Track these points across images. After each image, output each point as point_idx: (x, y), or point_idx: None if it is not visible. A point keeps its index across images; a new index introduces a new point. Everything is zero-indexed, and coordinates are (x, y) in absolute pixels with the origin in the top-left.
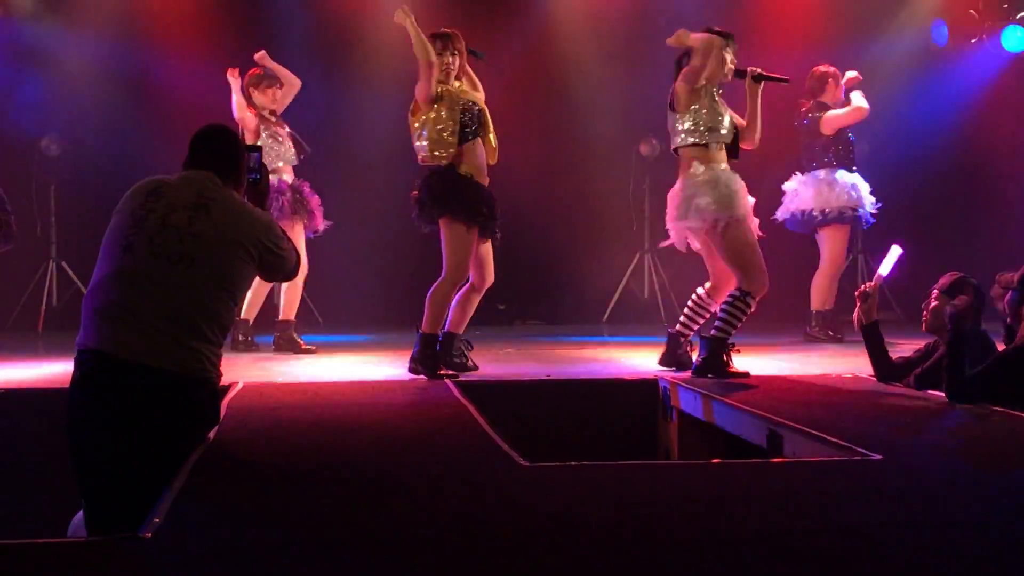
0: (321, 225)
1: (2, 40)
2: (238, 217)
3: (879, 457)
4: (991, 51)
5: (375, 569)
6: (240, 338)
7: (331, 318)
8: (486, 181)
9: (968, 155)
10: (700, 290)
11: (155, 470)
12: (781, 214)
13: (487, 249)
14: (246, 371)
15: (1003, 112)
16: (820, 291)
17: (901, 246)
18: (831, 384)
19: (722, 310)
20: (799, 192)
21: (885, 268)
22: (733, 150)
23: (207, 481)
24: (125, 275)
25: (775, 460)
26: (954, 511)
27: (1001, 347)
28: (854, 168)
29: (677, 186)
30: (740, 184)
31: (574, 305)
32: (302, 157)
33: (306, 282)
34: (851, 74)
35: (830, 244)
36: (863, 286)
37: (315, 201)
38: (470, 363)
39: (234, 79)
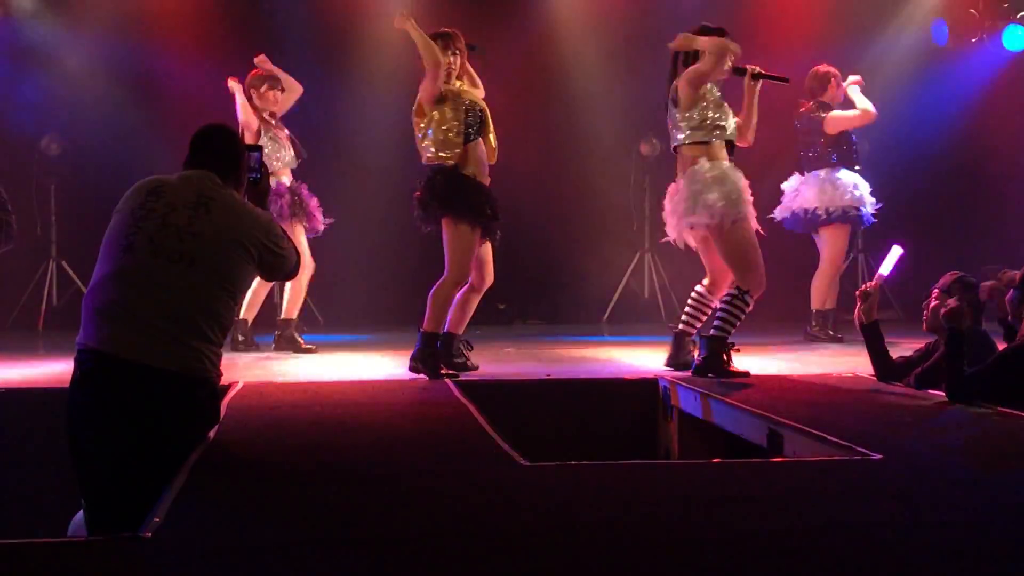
0: (321, 226)
1: (2, 39)
2: (238, 216)
3: (879, 457)
4: (992, 50)
5: (375, 568)
6: (240, 338)
7: (331, 318)
8: (487, 181)
9: (969, 154)
10: (699, 287)
11: (155, 469)
12: (780, 213)
13: (487, 249)
14: (246, 371)
15: (1004, 111)
16: (820, 290)
17: (902, 246)
18: (831, 383)
19: (721, 309)
20: (801, 191)
21: (886, 268)
22: (730, 148)
23: (207, 481)
24: (125, 274)
25: (775, 460)
26: (954, 510)
27: (1001, 346)
28: (857, 167)
29: (681, 182)
30: (745, 182)
31: (574, 304)
32: (300, 161)
33: (309, 281)
34: (854, 78)
35: (831, 243)
36: (864, 285)
37: (313, 203)
38: (470, 363)
39: (236, 85)
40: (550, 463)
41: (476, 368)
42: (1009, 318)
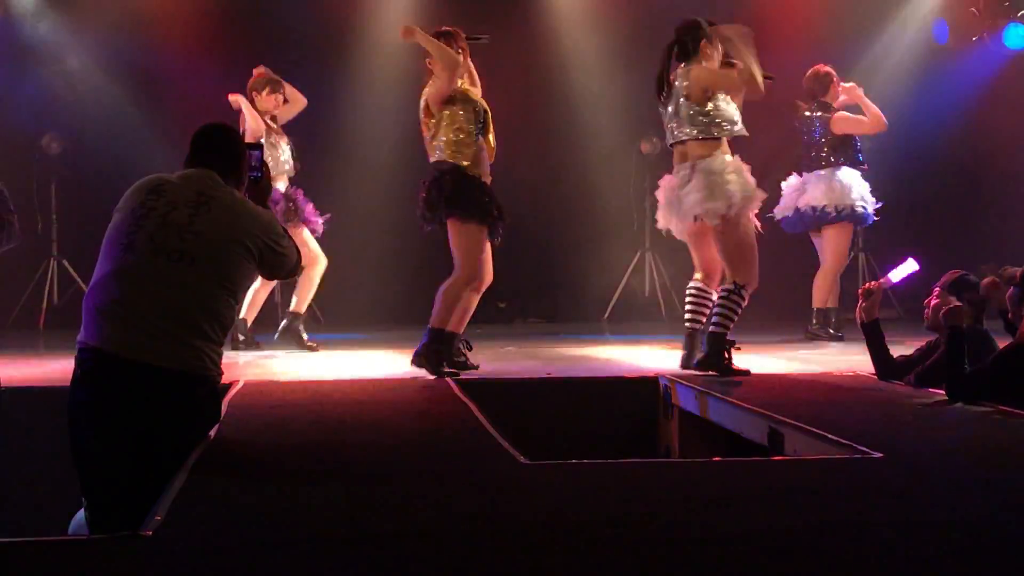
0: (319, 228)
1: (3, 38)
2: (239, 215)
3: (880, 455)
4: (993, 49)
5: (376, 567)
6: (240, 337)
7: (332, 317)
8: (489, 180)
9: (970, 153)
10: (695, 283)
11: (156, 468)
12: (782, 212)
13: (487, 248)
14: (247, 369)
15: (1005, 110)
16: (822, 289)
17: (914, 256)
18: (832, 382)
19: (718, 306)
20: (808, 189)
21: (896, 276)
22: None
23: (208, 479)
24: (126, 273)
25: (776, 458)
26: (955, 509)
27: (1003, 343)
28: (864, 167)
29: (681, 173)
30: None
31: (575, 303)
32: (296, 170)
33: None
34: (847, 86)
35: (835, 242)
36: (868, 284)
37: (309, 208)
38: (470, 362)
39: (238, 98)
40: (550, 462)
41: (476, 368)
42: (1009, 315)
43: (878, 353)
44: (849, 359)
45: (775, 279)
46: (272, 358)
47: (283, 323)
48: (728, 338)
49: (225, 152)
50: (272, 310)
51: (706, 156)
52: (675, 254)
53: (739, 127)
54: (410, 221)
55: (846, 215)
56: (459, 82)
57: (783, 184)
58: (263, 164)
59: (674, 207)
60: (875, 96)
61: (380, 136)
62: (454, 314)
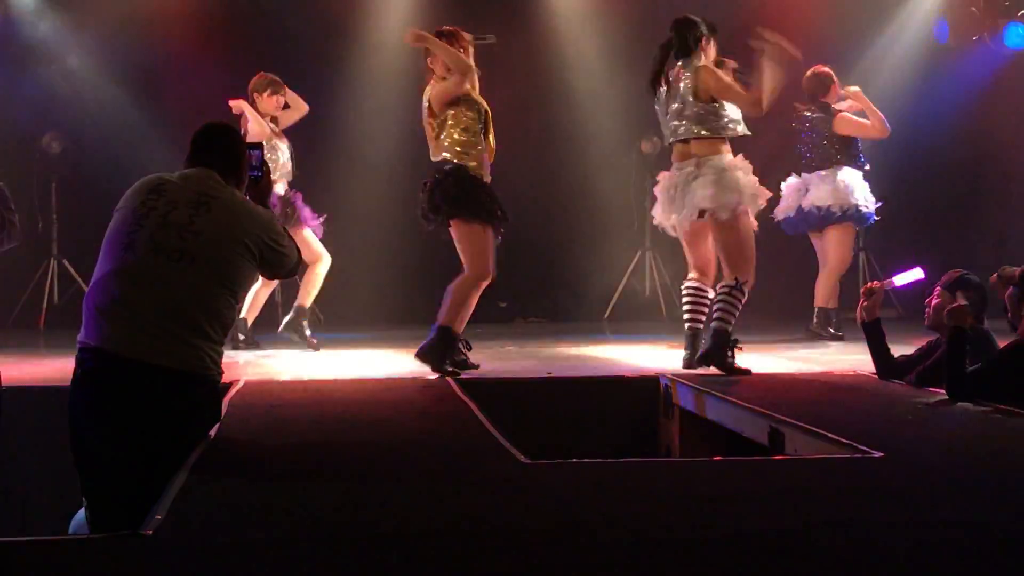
0: (319, 231)
1: (3, 37)
2: (239, 214)
3: (880, 454)
4: (993, 48)
5: (376, 566)
6: (241, 337)
7: (332, 316)
8: (489, 179)
9: (970, 152)
10: (691, 282)
11: (156, 467)
12: (783, 212)
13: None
14: (247, 369)
15: (1005, 109)
16: (826, 288)
17: (922, 265)
18: (832, 381)
19: (720, 302)
20: (810, 190)
21: (900, 280)
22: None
23: (208, 478)
24: (126, 273)
25: (776, 457)
26: (955, 509)
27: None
28: (867, 167)
29: (707, 165)
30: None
31: (575, 303)
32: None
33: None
34: (852, 89)
35: (841, 242)
36: (870, 283)
37: (305, 213)
38: (470, 362)
39: (240, 103)
40: (551, 461)
41: (476, 367)
42: (1009, 315)
43: (879, 352)
44: (850, 358)
45: (775, 279)
46: (272, 357)
47: (289, 315)
48: (732, 337)
49: (226, 152)
50: (272, 310)
51: (712, 154)
52: (675, 254)
53: (742, 127)
54: (410, 220)
55: (851, 215)
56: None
57: (783, 185)
58: (263, 164)
59: (675, 203)
60: (875, 96)
61: (380, 135)
62: (460, 312)
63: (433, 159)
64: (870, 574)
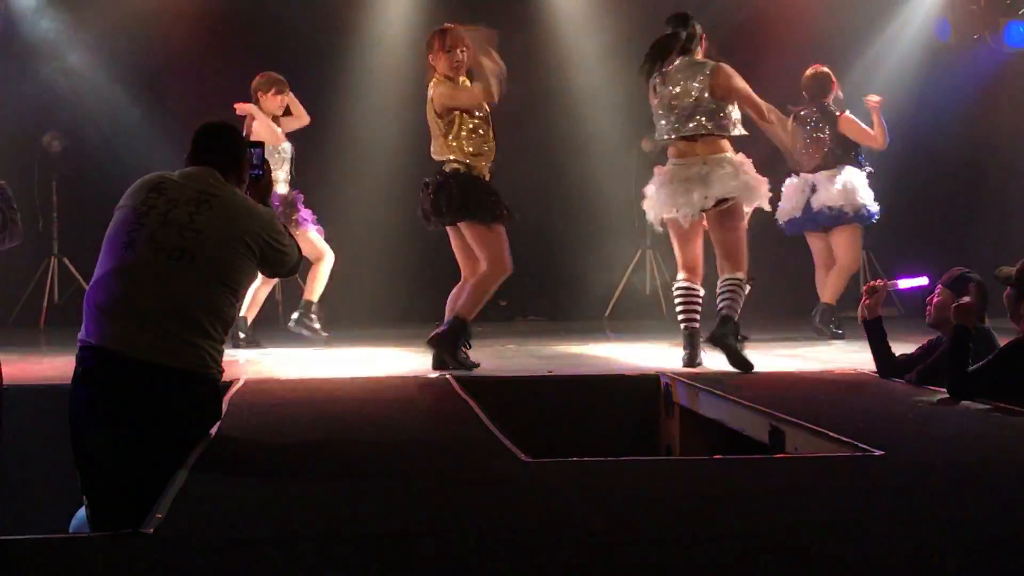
0: (320, 232)
1: (4, 35)
2: (239, 213)
3: (881, 453)
4: (994, 47)
5: (376, 564)
6: (241, 335)
7: (332, 315)
8: (488, 178)
9: (971, 151)
10: (683, 282)
11: (157, 466)
12: (790, 213)
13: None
14: (248, 367)
15: (1006, 108)
16: (835, 286)
17: (928, 275)
18: (833, 380)
19: (729, 293)
20: (818, 190)
21: (904, 284)
22: None
23: (209, 477)
24: (127, 271)
25: (777, 456)
26: (955, 507)
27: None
28: (870, 170)
29: (720, 161)
30: None
31: (575, 301)
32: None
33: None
34: (875, 98)
35: (852, 242)
36: (873, 281)
37: (305, 213)
38: (471, 360)
39: (247, 106)
40: (551, 459)
41: (477, 365)
42: (1009, 315)
43: (880, 351)
44: (850, 357)
45: (775, 279)
46: (272, 356)
47: (297, 312)
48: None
49: (226, 150)
50: (273, 308)
51: (721, 152)
52: None
53: (741, 127)
54: (411, 219)
55: (861, 215)
56: (462, 80)
57: (785, 185)
58: (264, 162)
59: (684, 196)
60: (877, 94)
61: (381, 133)
62: (447, 312)
63: (434, 157)
64: (870, 574)
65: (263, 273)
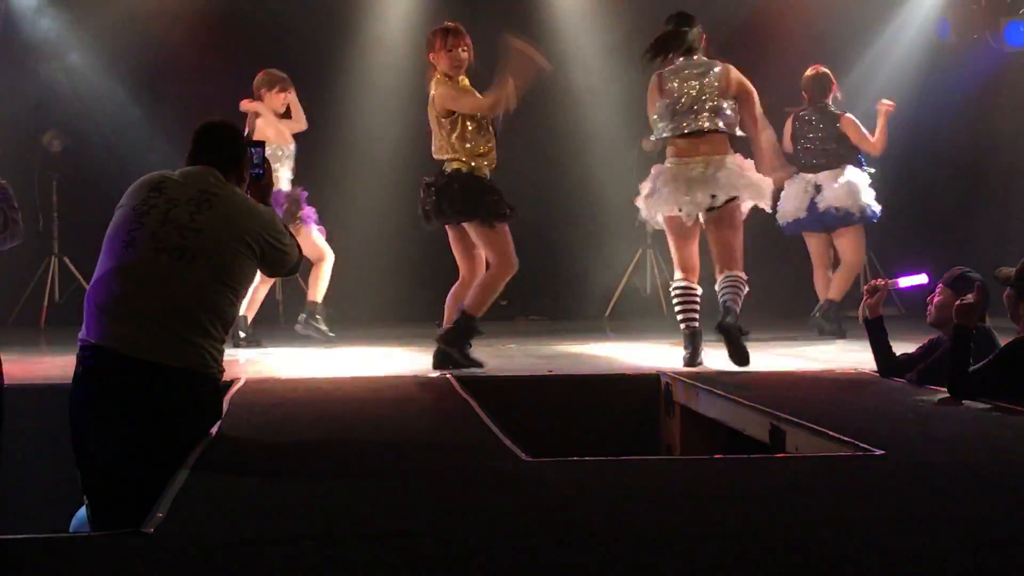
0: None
1: (4, 34)
2: (240, 212)
3: (881, 452)
4: (995, 47)
5: (377, 563)
6: (241, 335)
7: (333, 315)
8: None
9: (971, 151)
10: (681, 282)
11: (157, 465)
12: (794, 213)
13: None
14: (248, 367)
15: (1007, 107)
16: (841, 285)
17: (927, 272)
18: (833, 379)
19: (729, 288)
20: (823, 190)
21: (904, 282)
22: None
23: (209, 477)
24: (127, 270)
25: (777, 455)
26: (956, 507)
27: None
28: (869, 169)
29: (725, 161)
30: None
31: (576, 301)
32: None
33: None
34: (888, 102)
35: (858, 242)
36: (874, 280)
37: (306, 212)
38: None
39: (259, 106)
40: (552, 459)
41: (485, 365)
42: (1009, 315)
43: (880, 350)
44: (851, 356)
45: (775, 279)
46: (273, 355)
47: (302, 315)
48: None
49: (227, 149)
50: (273, 308)
51: (723, 152)
52: None
53: (740, 129)
54: (412, 219)
55: (869, 216)
56: (462, 80)
57: (784, 185)
58: (265, 161)
59: (689, 193)
60: (876, 94)
61: (382, 132)
62: (446, 311)
63: (436, 156)
64: (870, 574)
65: (263, 272)
